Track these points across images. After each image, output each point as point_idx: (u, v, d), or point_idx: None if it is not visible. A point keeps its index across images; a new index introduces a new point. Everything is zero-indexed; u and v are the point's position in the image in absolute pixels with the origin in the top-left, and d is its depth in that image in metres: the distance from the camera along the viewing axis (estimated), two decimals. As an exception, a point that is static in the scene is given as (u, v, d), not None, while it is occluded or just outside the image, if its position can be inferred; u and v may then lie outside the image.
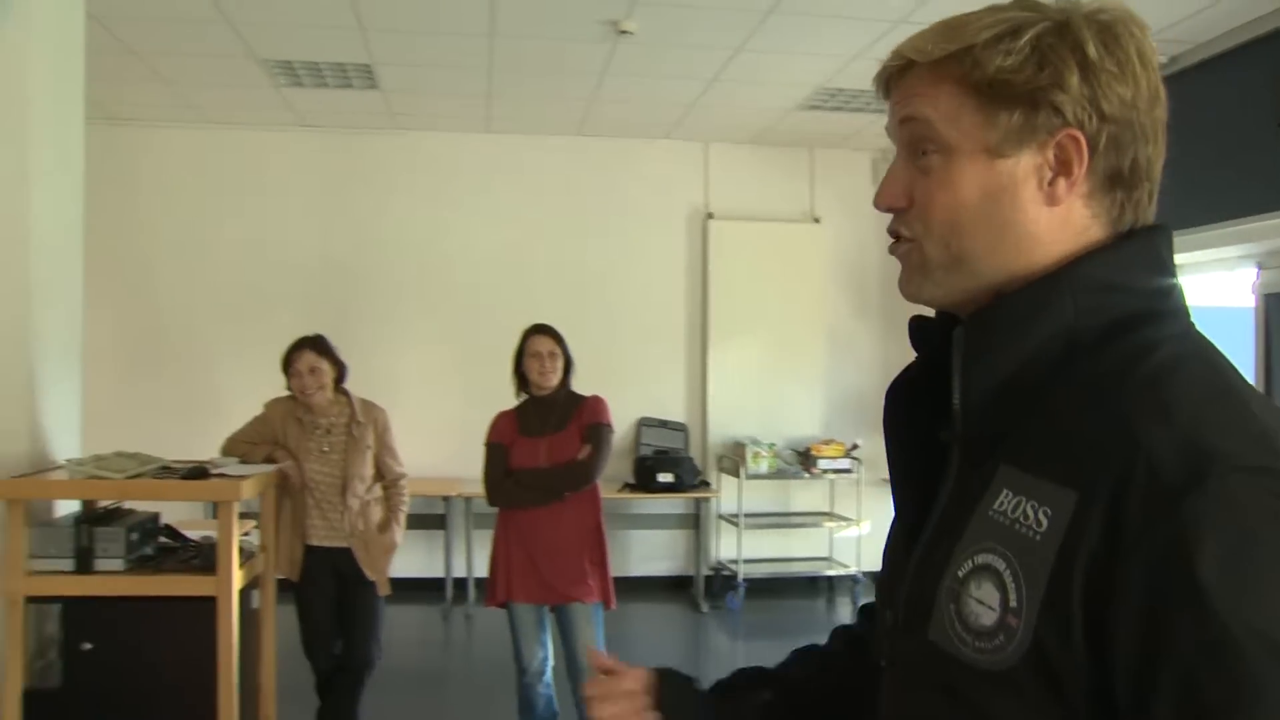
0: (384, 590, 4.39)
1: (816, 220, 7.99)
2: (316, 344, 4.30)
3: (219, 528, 3.53)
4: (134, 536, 3.59)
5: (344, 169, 7.67)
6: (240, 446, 4.26)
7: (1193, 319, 0.96)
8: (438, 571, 7.47)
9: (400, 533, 4.46)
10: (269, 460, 4.20)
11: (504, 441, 4.18)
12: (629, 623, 6.67)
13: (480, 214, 7.66)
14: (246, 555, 3.88)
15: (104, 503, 3.81)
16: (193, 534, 3.95)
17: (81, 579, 3.48)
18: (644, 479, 7.38)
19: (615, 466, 7.59)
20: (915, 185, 0.98)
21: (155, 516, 3.85)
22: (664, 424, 7.82)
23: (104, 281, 7.52)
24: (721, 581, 7.62)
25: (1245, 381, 0.90)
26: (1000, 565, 0.88)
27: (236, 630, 3.53)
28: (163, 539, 3.87)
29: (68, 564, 3.50)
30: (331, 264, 7.61)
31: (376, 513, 4.41)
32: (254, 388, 4.69)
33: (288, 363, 4.26)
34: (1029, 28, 0.92)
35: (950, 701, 0.91)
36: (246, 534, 4.24)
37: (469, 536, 7.33)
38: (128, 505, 3.86)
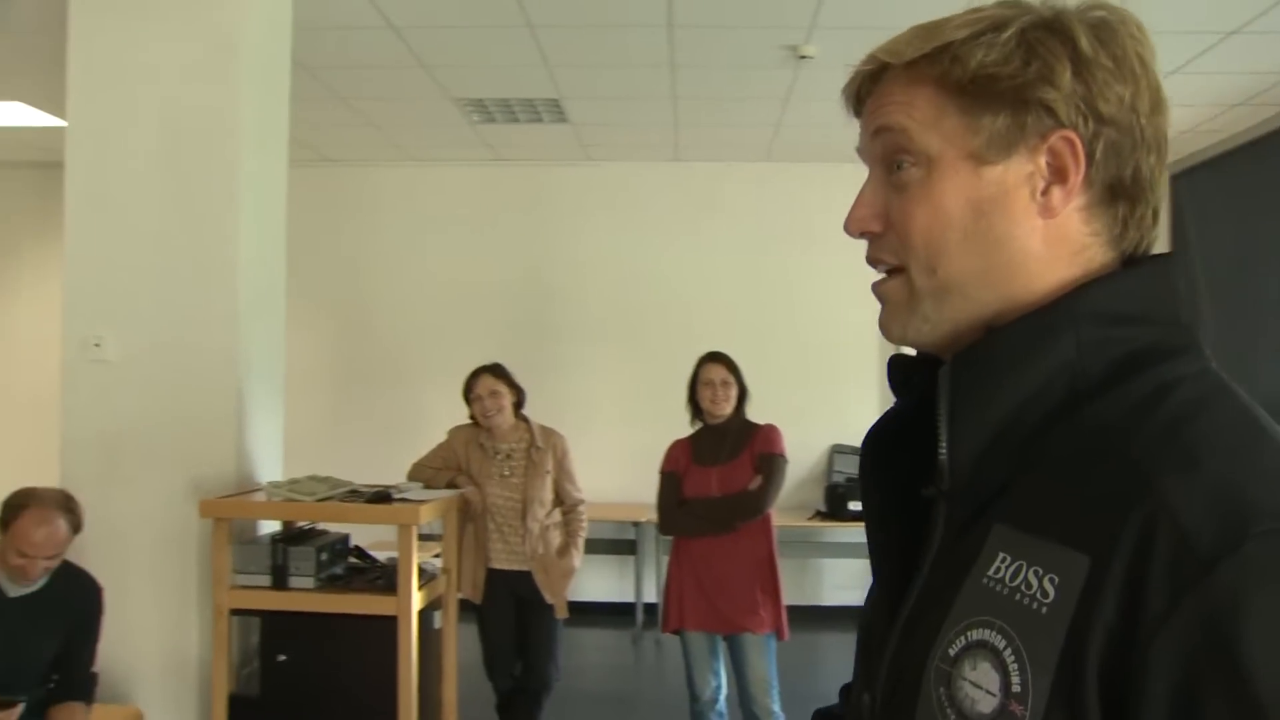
0: (562, 613, 4.48)
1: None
2: (495, 370, 4.45)
3: (399, 550, 3.69)
4: (324, 556, 3.80)
5: (538, 200, 7.92)
6: (425, 472, 4.45)
7: (1210, 356, 0.83)
8: (628, 596, 7.56)
9: (579, 557, 4.55)
10: (452, 485, 4.36)
11: (677, 470, 4.21)
12: (820, 652, 6.58)
13: (670, 242, 7.75)
14: (429, 577, 4.04)
15: (301, 523, 4.05)
16: (381, 555, 4.14)
17: (277, 594, 3.71)
18: (836, 507, 7.28)
19: (807, 494, 7.55)
20: (891, 205, 0.86)
21: (345, 538, 4.06)
22: (857, 451, 7.68)
23: (314, 312, 8.04)
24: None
25: (1276, 425, 0.78)
26: (999, 643, 0.75)
27: (416, 648, 3.67)
28: (352, 559, 4.07)
29: (265, 580, 3.74)
30: (526, 293, 7.86)
31: (556, 537, 4.51)
32: (451, 414, 4.86)
33: (468, 389, 4.43)
34: (1014, 22, 0.82)
35: None
36: (436, 555, 4.43)
37: (659, 562, 7.39)
38: (321, 526, 4.09)
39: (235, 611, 3.77)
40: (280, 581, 3.73)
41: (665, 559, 7.12)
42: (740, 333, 6.94)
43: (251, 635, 3.88)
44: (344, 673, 3.71)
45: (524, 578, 4.41)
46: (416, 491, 4.11)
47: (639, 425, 7.45)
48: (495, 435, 4.44)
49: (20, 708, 3.07)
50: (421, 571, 3.91)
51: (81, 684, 3.41)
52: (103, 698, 3.73)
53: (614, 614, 7.40)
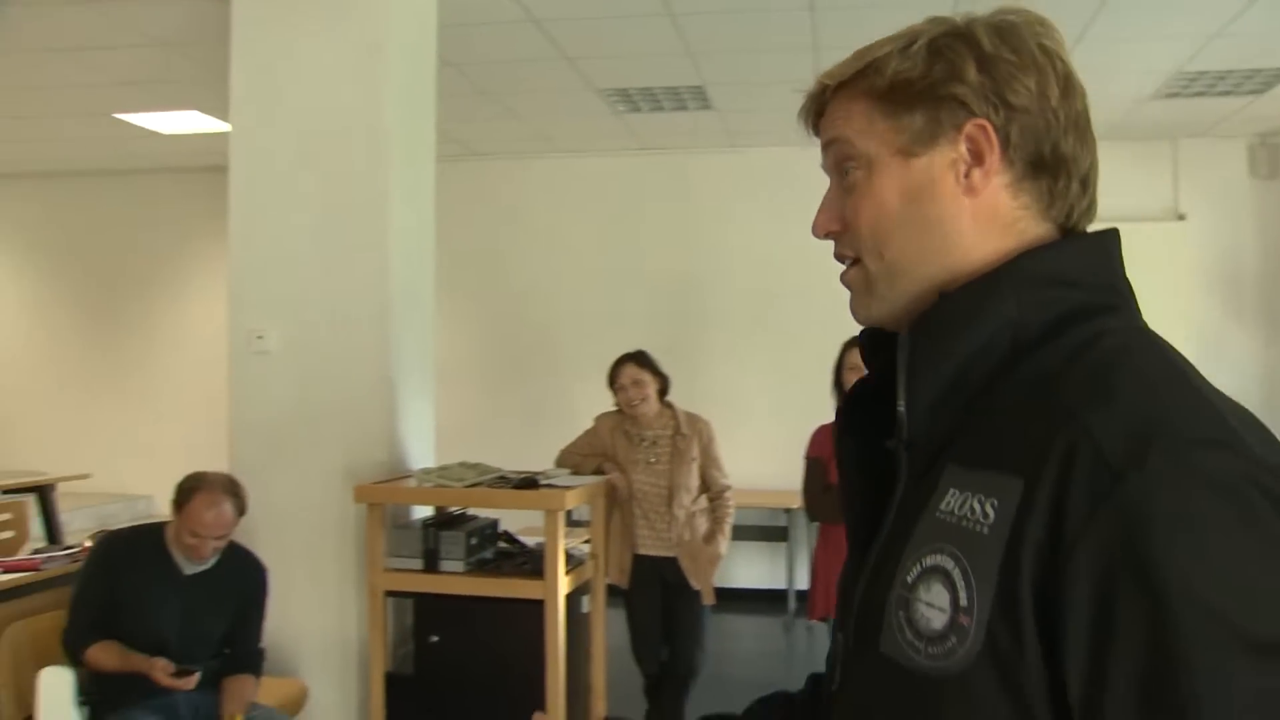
0: (709, 599, 4.48)
1: (1181, 217, 7.33)
2: (638, 358, 4.47)
3: (546, 535, 3.75)
4: (473, 541, 3.89)
5: (683, 189, 7.93)
6: (572, 458, 4.50)
7: (1139, 312, 0.94)
8: (780, 583, 7.52)
9: (725, 544, 4.54)
10: (598, 472, 4.41)
11: (822, 455, 4.15)
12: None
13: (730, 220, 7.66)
14: (577, 562, 4.10)
15: (451, 509, 4.16)
16: (530, 540, 4.21)
17: (429, 577, 3.82)
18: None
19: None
20: (845, 205, 0.98)
21: (494, 523, 4.15)
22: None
23: (464, 303, 8.24)
24: None
25: (1199, 376, 0.86)
26: (949, 565, 0.84)
27: (563, 631, 3.73)
28: (501, 544, 4.16)
29: (417, 563, 3.85)
30: (675, 281, 7.88)
31: (702, 524, 4.51)
32: (598, 402, 4.88)
33: (612, 378, 4.47)
34: (925, 33, 0.94)
35: (898, 712, 0.87)
36: (585, 541, 4.49)
37: (811, 548, 7.32)
38: (471, 512, 4.19)
39: (389, 593, 3.89)
40: (432, 565, 3.84)
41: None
42: (822, 324, 6.78)
43: (406, 616, 4.01)
44: (494, 655, 3.79)
45: (671, 564, 4.43)
46: (564, 478, 4.17)
47: (790, 411, 7.37)
48: (640, 422, 4.47)
49: (197, 676, 3.24)
50: (569, 556, 3.96)
51: (251, 658, 3.58)
52: (270, 672, 3.91)
53: (766, 600, 7.37)
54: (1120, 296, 0.92)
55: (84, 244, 9.32)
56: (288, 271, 4.19)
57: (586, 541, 4.44)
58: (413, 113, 4.38)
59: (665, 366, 4.62)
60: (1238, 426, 0.80)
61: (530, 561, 3.91)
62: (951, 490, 0.86)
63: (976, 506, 0.83)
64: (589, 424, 4.69)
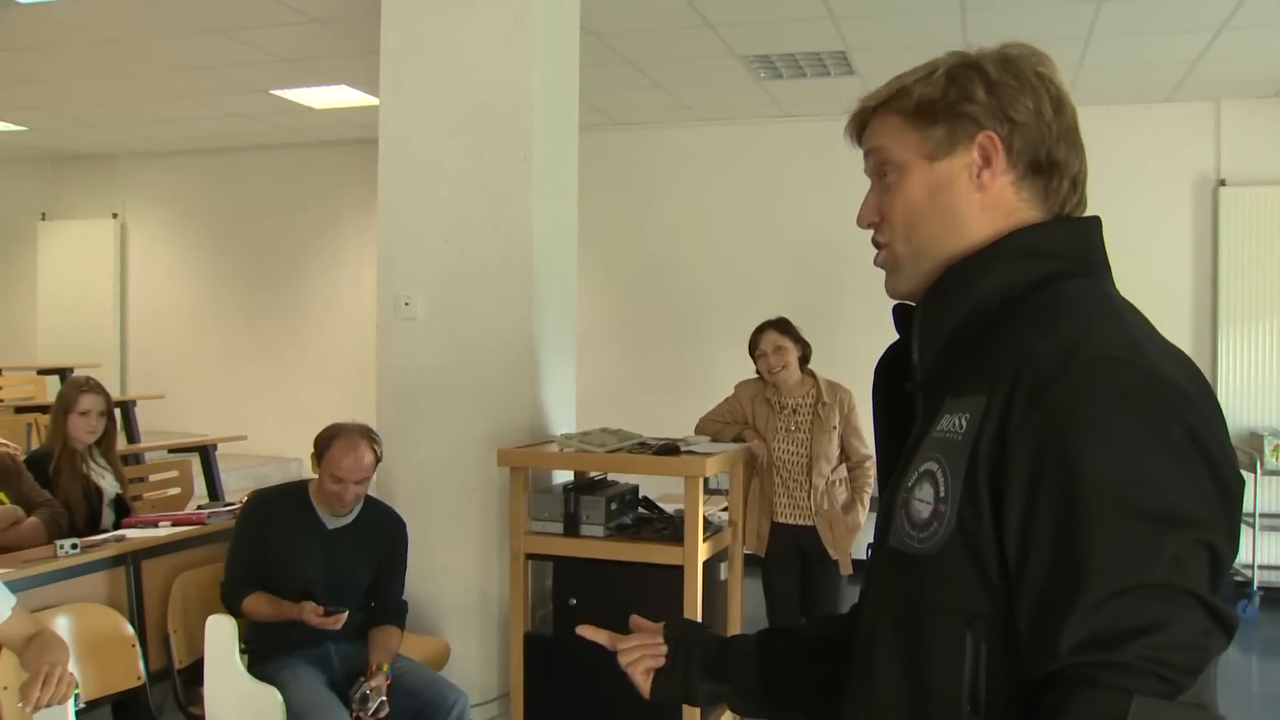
0: (846, 569, 4.44)
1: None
2: (779, 325, 4.44)
3: (686, 502, 3.75)
4: (613, 506, 3.92)
5: (826, 155, 7.77)
6: (712, 425, 4.50)
7: (1111, 281, 1.16)
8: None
9: (864, 513, 4.48)
10: (738, 439, 4.39)
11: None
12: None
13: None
14: (715, 529, 4.09)
15: (592, 474, 4.20)
16: (669, 507, 4.23)
17: (569, 541, 3.87)
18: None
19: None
20: (882, 202, 1.22)
21: (634, 489, 4.17)
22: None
23: (608, 271, 8.30)
24: (1233, 588, 6.83)
25: (1141, 320, 1.09)
26: (935, 468, 1.07)
27: (700, 598, 3.74)
28: (641, 510, 4.18)
29: (558, 527, 3.90)
30: (818, 248, 7.77)
31: (841, 493, 4.46)
32: (741, 369, 4.84)
33: (753, 344, 4.44)
34: (944, 64, 1.18)
35: (899, 593, 1.10)
36: (724, 509, 4.48)
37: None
38: (612, 477, 4.22)
39: (530, 556, 3.96)
40: (572, 529, 3.88)
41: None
42: None
43: (546, 578, 4.07)
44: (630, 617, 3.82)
45: (809, 532, 4.39)
46: (704, 445, 4.16)
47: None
48: (781, 390, 4.43)
49: (345, 615, 3.36)
50: (707, 523, 3.96)
51: (394, 610, 3.68)
52: (414, 629, 4.04)
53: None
54: (1090, 266, 1.15)
55: (242, 217, 9.71)
56: (434, 239, 4.28)
57: (725, 509, 4.44)
58: (557, 82, 4.41)
59: (807, 334, 4.56)
60: (1151, 351, 1.02)
61: (669, 527, 3.92)
62: (945, 415, 1.09)
63: (956, 421, 1.06)
64: (730, 391, 4.67)
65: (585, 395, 4.82)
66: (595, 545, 3.83)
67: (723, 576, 4.22)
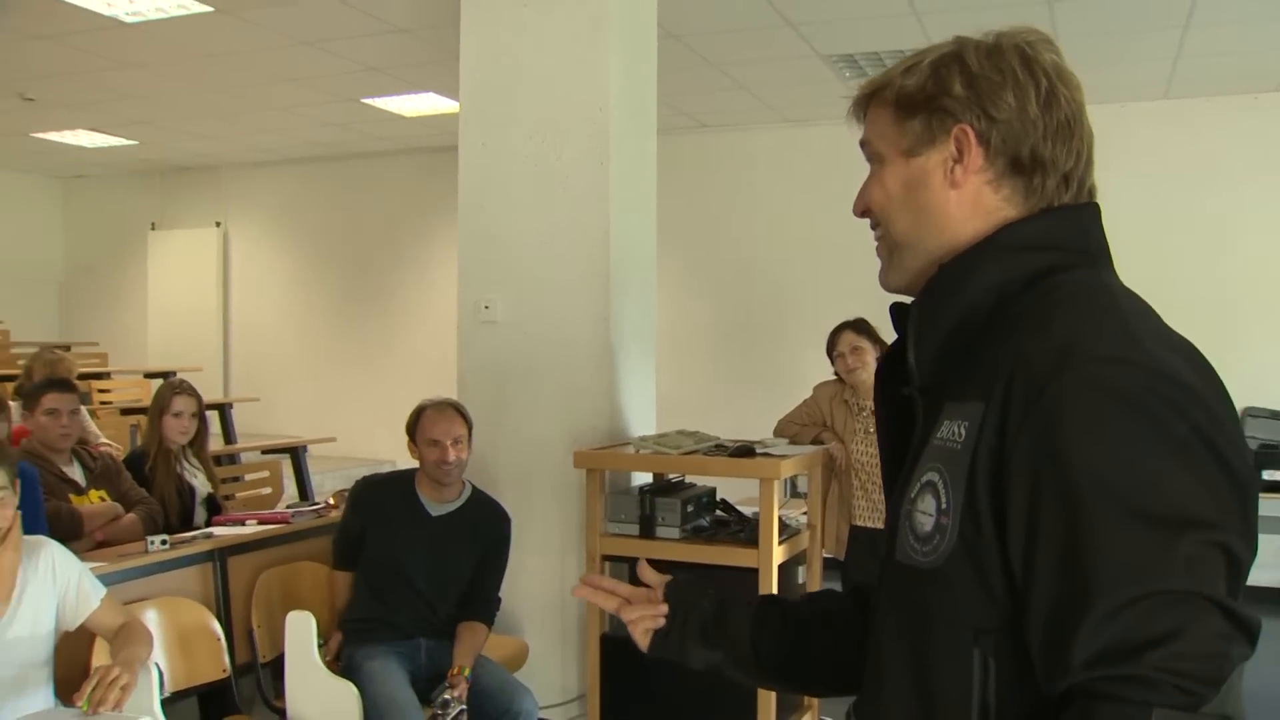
0: (928, 575, 4.35)
1: None
2: (856, 325, 4.39)
3: (761, 504, 3.73)
4: (689, 508, 3.92)
5: (913, 155, 7.70)
6: (790, 428, 4.47)
7: (1111, 269, 1.12)
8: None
9: (947, 519, 4.39)
10: (816, 441, 4.35)
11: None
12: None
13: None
14: (792, 532, 4.06)
15: (671, 476, 4.20)
16: (748, 510, 4.21)
17: (644, 542, 3.87)
18: (1250, 477, 6.54)
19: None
20: (870, 191, 1.20)
21: (711, 491, 4.16)
22: (1276, 415, 6.89)
23: (694, 272, 8.30)
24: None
25: (1142, 312, 1.05)
26: (936, 478, 1.04)
27: (776, 601, 3.70)
28: (719, 512, 4.17)
29: (633, 529, 3.91)
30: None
31: (923, 497, 4.38)
32: (825, 371, 4.77)
33: (831, 345, 4.40)
34: (930, 55, 1.15)
35: (906, 607, 1.08)
36: (804, 513, 4.44)
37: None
38: (690, 479, 4.21)
39: (607, 557, 3.97)
40: (648, 530, 3.89)
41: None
42: (1146, 280, 6.37)
43: (622, 579, 4.07)
44: (708, 621, 3.81)
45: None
46: (780, 447, 4.14)
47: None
48: (860, 391, 4.38)
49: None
50: (785, 526, 3.93)
51: (487, 605, 3.70)
52: (494, 629, 4.08)
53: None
54: (1088, 256, 1.11)
55: (336, 224, 9.97)
56: (513, 244, 4.33)
57: (804, 514, 4.40)
58: (634, 86, 4.42)
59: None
60: (1151, 346, 0.98)
61: (745, 530, 3.90)
62: (945, 421, 1.06)
63: (956, 429, 1.03)
64: (809, 393, 4.63)
65: (671, 397, 4.83)
66: (670, 547, 3.83)
67: (801, 580, 4.18)
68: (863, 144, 1.21)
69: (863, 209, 1.23)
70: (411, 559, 3.53)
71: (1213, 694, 0.86)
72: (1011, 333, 1.03)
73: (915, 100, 1.14)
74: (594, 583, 1.49)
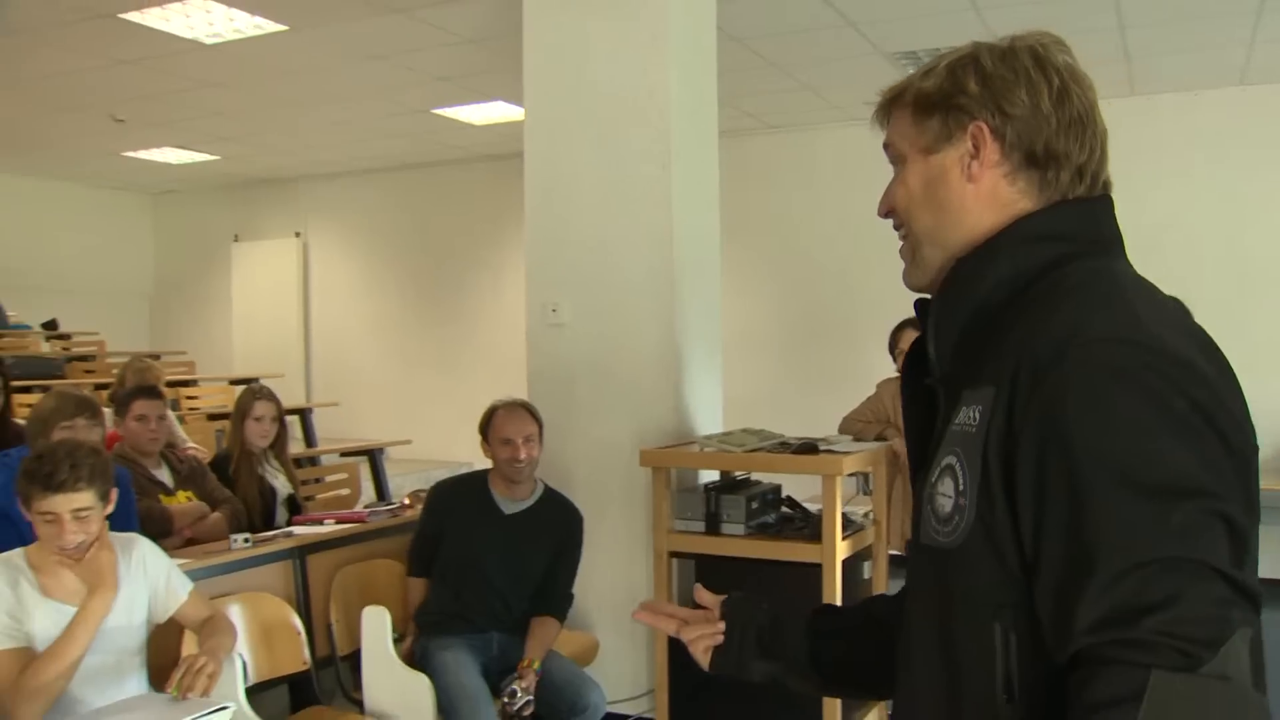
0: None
1: None
2: (918, 322, 4.40)
3: (824, 500, 3.77)
4: (754, 505, 3.97)
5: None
6: (854, 425, 4.49)
7: (1123, 257, 1.16)
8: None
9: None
10: (880, 438, 4.38)
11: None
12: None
13: (1133, 183, 7.03)
14: (857, 528, 4.09)
15: (737, 473, 4.25)
16: (814, 507, 4.24)
17: (710, 539, 3.94)
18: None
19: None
20: (893, 191, 1.25)
21: (777, 488, 4.20)
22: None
23: (763, 272, 8.34)
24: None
25: (1149, 296, 1.09)
26: (954, 461, 1.09)
27: (840, 596, 3.74)
28: (785, 509, 4.22)
29: (699, 525, 3.98)
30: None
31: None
32: (893, 369, 4.79)
33: (892, 342, 4.42)
34: (946, 59, 1.20)
35: (932, 587, 1.13)
36: (870, 510, 4.47)
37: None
38: (756, 477, 4.27)
39: (674, 554, 4.04)
40: (713, 527, 3.95)
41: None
42: (1216, 276, 6.33)
43: (690, 575, 4.15)
44: (773, 615, 3.86)
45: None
46: (844, 444, 4.17)
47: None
48: (922, 389, 4.39)
49: None
50: (849, 522, 3.96)
51: (559, 601, 3.79)
52: (567, 625, 4.17)
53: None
54: (1099, 246, 1.15)
55: (411, 231, 10.18)
56: (579, 247, 4.43)
57: (868, 512, 4.41)
58: (694, 89, 4.49)
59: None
60: (1155, 328, 1.02)
61: (809, 526, 3.94)
62: (962, 407, 1.10)
63: (971, 414, 1.08)
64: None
65: (742, 397, 4.89)
66: (735, 543, 3.89)
67: (866, 575, 4.21)
68: (886, 147, 1.26)
69: (886, 209, 1.27)
70: (487, 556, 3.64)
71: (1210, 655, 0.89)
72: (1022, 319, 1.07)
73: (932, 100, 1.18)
74: (653, 608, 1.54)
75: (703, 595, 1.52)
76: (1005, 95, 1.15)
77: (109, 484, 2.75)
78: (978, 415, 1.06)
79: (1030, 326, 1.05)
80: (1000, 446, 1.03)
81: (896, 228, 1.27)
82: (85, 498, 2.65)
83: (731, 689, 3.92)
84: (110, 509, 2.76)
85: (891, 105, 1.25)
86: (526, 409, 3.81)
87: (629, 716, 4.29)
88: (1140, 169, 7.09)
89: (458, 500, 3.79)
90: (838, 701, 3.74)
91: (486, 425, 3.78)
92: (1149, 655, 0.90)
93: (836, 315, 8.09)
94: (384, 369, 10.25)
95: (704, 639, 1.45)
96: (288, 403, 4.65)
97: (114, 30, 5.79)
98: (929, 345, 1.21)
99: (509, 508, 3.75)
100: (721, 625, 1.46)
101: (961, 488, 1.07)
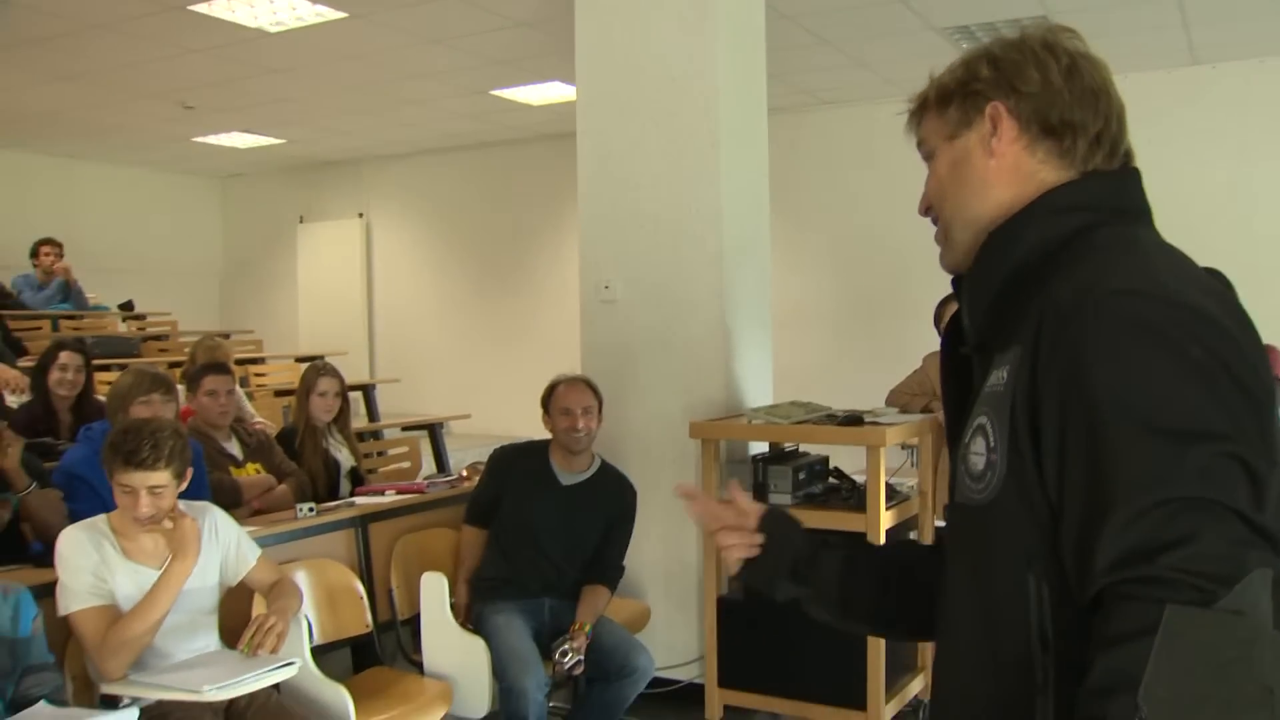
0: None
1: None
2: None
3: (868, 470, 3.85)
4: (801, 475, 4.06)
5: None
6: (901, 398, 4.56)
7: (1151, 226, 1.21)
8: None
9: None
10: (926, 410, 4.44)
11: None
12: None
13: (1192, 157, 7.02)
14: (902, 498, 4.16)
15: (786, 445, 4.34)
16: (861, 478, 4.32)
17: (758, 509, 4.03)
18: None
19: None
20: (929, 186, 1.32)
21: (824, 459, 4.29)
22: None
23: (820, 248, 8.38)
24: None
25: (1169, 256, 1.14)
26: (985, 421, 1.14)
27: (884, 564, 3.82)
28: (832, 480, 4.30)
29: (747, 495, 4.07)
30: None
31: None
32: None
33: (937, 316, 4.48)
34: (964, 56, 1.29)
35: (967, 544, 1.19)
36: (914, 484, 4.52)
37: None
38: (804, 449, 4.35)
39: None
40: (760, 497, 4.04)
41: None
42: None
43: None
44: (819, 584, 3.95)
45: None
46: (890, 416, 4.24)
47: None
48: (968, 361, 4.44)
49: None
50: (894, 492, 4.04)
51: (610, 571, 3.91)
52: (618, 593, 4.30)
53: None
54: (1125, 215, 1.20)
55: (472, 210, 10.37)
56: (629, 225, 4.53)
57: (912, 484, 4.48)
58: (742, 68, 4.55)
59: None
60: (1174, 283, 1.06)
61: (855, 496, 4.02)
62: (993, 371, 1.16)
63: (1000, 375, 1.14)
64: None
65: (797, 370, 4.95)
66: (782, 513, 3.98)
67: (913, 545, 4.27)
68: (919, 146, 1.33)
69: (925, 207, 1.34)
70: (542, 523, 3.78)
71: (1225, 591, 0.92)
72: (1046, 283, 1.11)
73: (950, 90, 1.26)
74: (698, 497, 1.59)
75: (740, 497, 1.54)
76: (1017, 74, 1.22)
77: (186, 464, 2.93)
78: (1006, 374, 1.11)
79: (1053, 287, 1.10)
80: (1026, 401, 1.07)
81: (935, 222, 1.33)
82: (162, 476, 2.82)
83: (776, 656, 4.03)
84: (184, 486, 2.94)
85: (920, 109, 1.32)
86: (587, 383, 3.95)
87: (680, 681, 4.41)
88: (1201, 139, 7.01)
89: (519, 466, 3.94)
90: (882, 661, 3.83)
91: (548, 397, 3.92)
92: (1165, 590, 0.93)
93: (891, 290, 8.11)
94: (445, 345, 10.47)
95: (739, 548, 1.49)
96: (351, 379, 4.82)
97: (183, 21, 5.99)
98: (963, 317, 1.28)
99: (566, 479, 3.89)
100: (758, 538, 1.49)
101: (992, 444, 1.11)
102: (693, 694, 4.24)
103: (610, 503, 3.94)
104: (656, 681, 4.37)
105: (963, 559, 1.20)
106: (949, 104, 1.27)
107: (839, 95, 8.03)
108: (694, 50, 4.38)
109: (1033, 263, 1.17)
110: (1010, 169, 1.23)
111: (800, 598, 1.49)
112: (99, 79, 7.38)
